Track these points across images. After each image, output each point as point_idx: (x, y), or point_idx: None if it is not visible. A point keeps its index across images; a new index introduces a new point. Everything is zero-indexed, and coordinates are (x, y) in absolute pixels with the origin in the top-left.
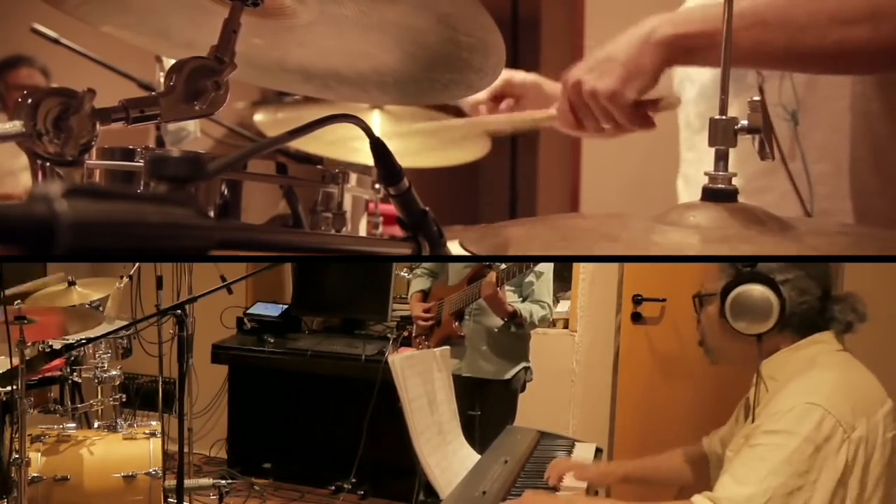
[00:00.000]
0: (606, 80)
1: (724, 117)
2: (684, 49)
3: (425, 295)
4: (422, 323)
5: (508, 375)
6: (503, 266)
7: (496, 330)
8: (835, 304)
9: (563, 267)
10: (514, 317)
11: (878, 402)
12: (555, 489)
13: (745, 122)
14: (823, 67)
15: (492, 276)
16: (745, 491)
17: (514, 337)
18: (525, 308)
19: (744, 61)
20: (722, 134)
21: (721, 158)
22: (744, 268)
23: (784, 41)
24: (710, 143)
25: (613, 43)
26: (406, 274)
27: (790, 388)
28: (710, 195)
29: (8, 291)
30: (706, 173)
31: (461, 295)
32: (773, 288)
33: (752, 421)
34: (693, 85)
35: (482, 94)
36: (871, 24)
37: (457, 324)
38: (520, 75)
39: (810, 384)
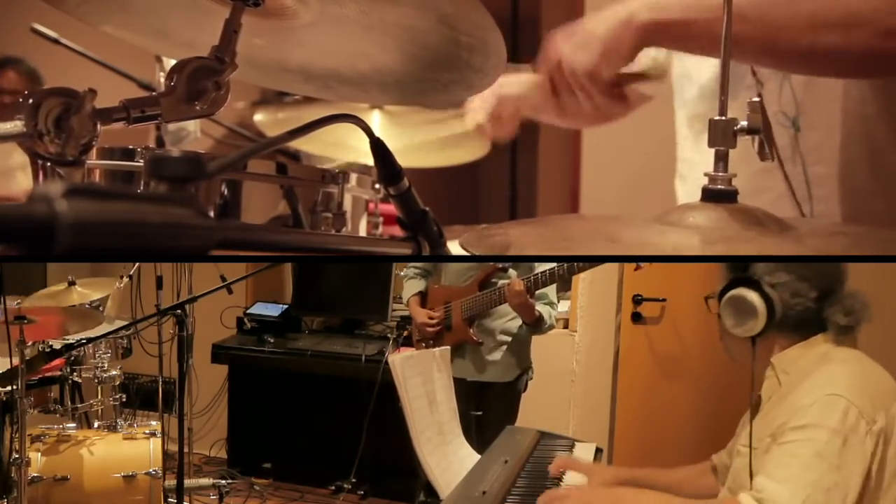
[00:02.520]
0: (584, 56)
1: (723, 118)
2: (661, 34)
3: (423, 297)
4: (429, 329)
5: (512, 378)
6: (510, 269)
7: (502, 335)
8: (829, 306)
9: (570, 266)
10: (539, 320)
11: (893, 395)
12: (558, 481)
13: (744, 124)
14: (796, 67)
15: (517, 283)
16: (784, 489)
17: (519, 340)
18: (544, 311)
19: (718, 51)
20: (721, 135)
21: (720, 159)
22: (737, 272)
23: (759, 38)
24: (710, 144)
25: (594, 19)
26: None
27: (809, 382)
28: (709, 196)
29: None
30: (706, 174)
31: (476, 300)
32: (760, 291)
33: (756, 411)
34: (692, 85)
35: (482, 117)
36: (844, 33)
37: (472, 330)
38: (511, 90)
39: (829, 377)
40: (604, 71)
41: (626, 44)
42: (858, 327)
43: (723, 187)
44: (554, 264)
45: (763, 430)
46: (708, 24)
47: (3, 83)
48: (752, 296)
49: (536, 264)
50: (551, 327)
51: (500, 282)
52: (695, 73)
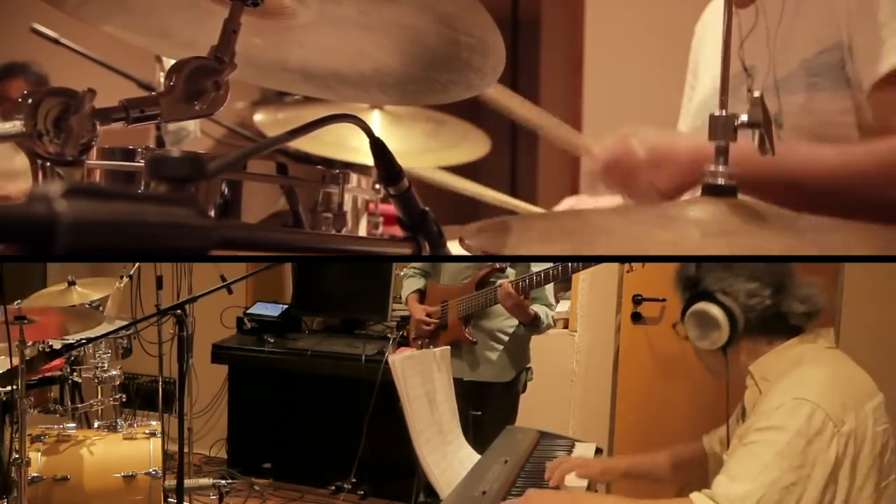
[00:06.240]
0: (664, 181)
1: (723, 113)
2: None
3: (421, 295)
4: (425, 327)
5: (511, 378)
6: (508, 267)
7: (499, 334)
8: (785, 298)
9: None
10: (535, 320)
11: (868, 395)
12: (557, 488)
13: (744, 118)
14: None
15: (508, 284)
16: (741, 488)
17: (516, 340)
18: (541, 311)
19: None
20: (722, 129)
21: (721, 154)
22: (690, 289)
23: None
24: (710, 139)
25: (681, 140)
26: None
27: (778, 386)
28: (710, 190)
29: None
30: (706, 169)
31: (471, 300)
32: (717, 302)
33: (742, 419)
34: (695, 95)
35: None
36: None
37: (468, 329)
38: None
39: (798, 381)
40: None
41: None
42: (818, 313)
43: (723, 182)
44: (549, 264)
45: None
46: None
47: (13, 92)
48: (711, 308)
49: (533, 263)
50: (549, 327)
51: (498, 281)
52: (699, 83)
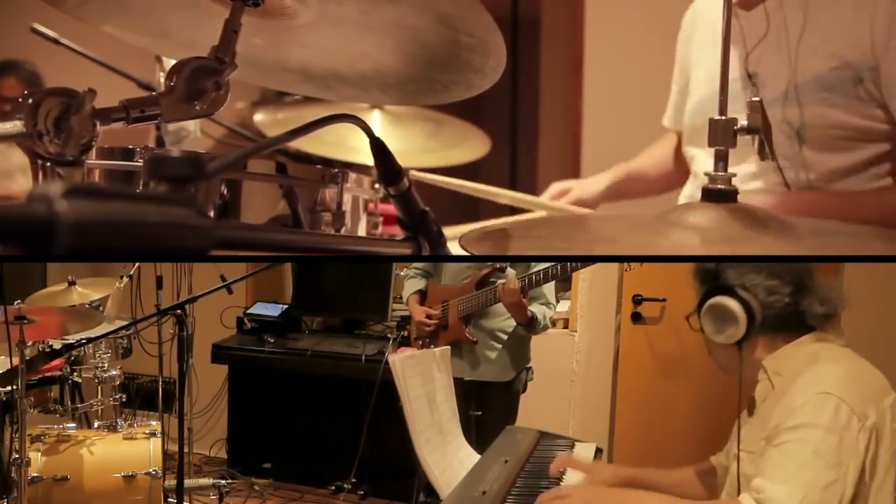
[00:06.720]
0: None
1: (723, 118)
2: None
3: (422, 295)
4: (426, 328)
5: (511, 378)
6: (508, 267)
7: (499, 333)
8: (805, 298)
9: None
10: (532, 321)
11: (883, 391)
12: (558, 481)
13: (744, 123)
14: None
15: (512, 282)
16: (782, 489)
17: (516, 340)
18: (538, 311)
19: None
20: (721, 134)
21: (721, 159)
22: (710, 282)
23: None
24: (710, 144)
25: None
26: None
27: (799, 382)
28: (709, 196)
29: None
30: (706, 173)
31: (471, 299)
32: (736, 297)
33: (751, 414)
34: (692, 98)
35: None
36: None
37: (468, 329)
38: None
39: (819, 376)
40: None
41: None
42: (837, 315)
43: (723, 187)
44: (549, 263)
45: (759, 433)
46: None
47: (5, 90)
48: (730, 302)
49: (533, 264)
50: (546, 328)
51: (498, 281)
52: (694, 86)
